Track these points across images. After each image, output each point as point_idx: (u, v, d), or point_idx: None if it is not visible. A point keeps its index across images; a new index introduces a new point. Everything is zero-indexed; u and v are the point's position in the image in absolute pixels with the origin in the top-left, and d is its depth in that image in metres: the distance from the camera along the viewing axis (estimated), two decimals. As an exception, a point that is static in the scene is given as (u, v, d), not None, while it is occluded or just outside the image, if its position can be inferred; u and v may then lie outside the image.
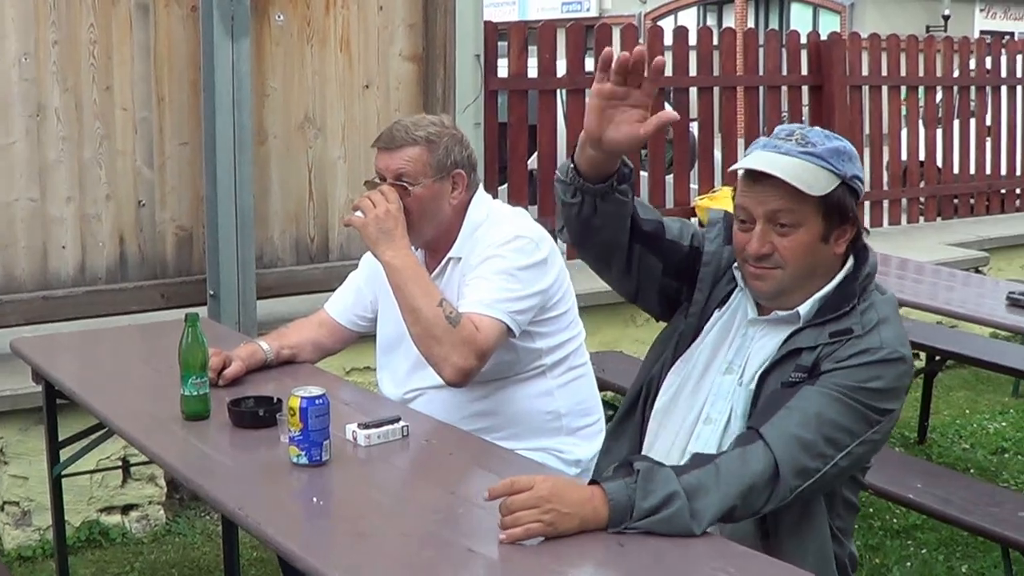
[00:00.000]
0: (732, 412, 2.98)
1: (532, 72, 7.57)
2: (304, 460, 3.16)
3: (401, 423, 3.39)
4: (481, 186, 3.93)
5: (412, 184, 3.73)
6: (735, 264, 3.08)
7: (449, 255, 3.84)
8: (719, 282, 3.12)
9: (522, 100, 7.42)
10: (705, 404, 3.03)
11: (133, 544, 5.38)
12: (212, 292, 5.72)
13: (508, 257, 3.67)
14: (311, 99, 5.97)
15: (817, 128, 2.98)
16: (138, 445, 3.54)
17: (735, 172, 3.11)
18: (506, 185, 7.38)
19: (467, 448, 3.38)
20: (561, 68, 7.69)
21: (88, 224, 5.60)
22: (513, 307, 3.64)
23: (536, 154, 7.63)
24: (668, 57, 8.19)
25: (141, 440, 3.50)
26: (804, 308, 2.97)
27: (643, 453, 3.08)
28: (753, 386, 2.95)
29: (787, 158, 2.89)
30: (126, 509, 5.50)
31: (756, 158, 2.93)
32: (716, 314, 3.10)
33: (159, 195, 5.73)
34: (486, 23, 6.77)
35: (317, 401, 3.18)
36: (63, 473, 4.44)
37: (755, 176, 2.91)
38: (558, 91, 7.74)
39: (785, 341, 2.96)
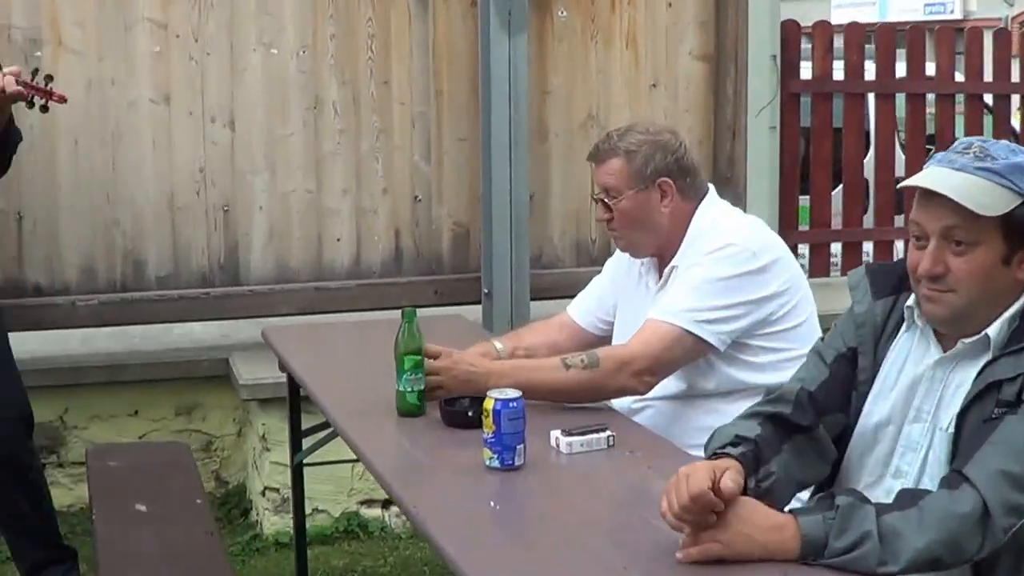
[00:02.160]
0: (925, 462, 2.70)
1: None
2: (496, 463, 3.05)
3: (607, 432, 3.22)
4: (713, 191, 3.76)
5: (615, 198, 3.64)
6: (903, 302, 2.81)
7: (671, 264, 3.69)
8: (880, 338, 2.84)
9: (826, 104, 7.09)
10: (894, 457, 2.77)
11: (391, 539, 5.35)
12: (486, 291, 5.66)
13: (710, 266, 3.53)
14: (595, 97, 5.84)
15: (1004, 142, 2.69)
16: (344, 436, 3.51)
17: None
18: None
19: (670, 462, 3.16)
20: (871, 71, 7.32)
21: (364, 217, 5.64)
22: (704, 316, 3.49)
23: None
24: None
25: (347, 431, 3.48)
26: (992, 330, 2.64)
27: None
28: (952, 430, 2.65)
29: (960, 175, 2.60)
30: (387, 503, 5.48)
31: (927, 174, 2.66)
32: (886, 365, 2.82)
33: (436, 191, 5.71)
34: (788, 22, 6.49)
35: (511, 404, 3.06)
36: (306, 462, 4.46)
37: (930, 191, 2.63)
38: (866, 95, 7.36)
39: (980, 374, 2.64)
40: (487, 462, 3.05)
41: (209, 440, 5.67)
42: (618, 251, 3.93)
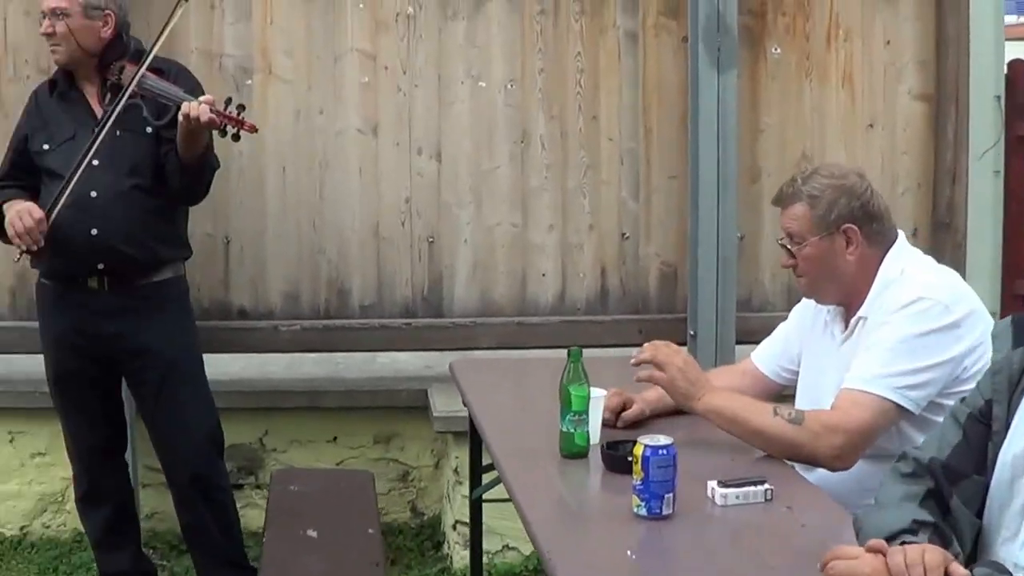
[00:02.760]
0: None
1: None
2: (643, 511, 2.97)
3: (765, 486, 3.10)
4: (902, 238, 3.60)
5: (799, 244, 3.53)
6: None
7: (858, 314, 3.55)
8: (1017, 387, 2.64)
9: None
10: None
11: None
12: (692, 332, 5.54)
13: (902, 324, 3.37)
14: (809, 137, 5.66)
15: None
16: (501, 473, 3.48)
17: None
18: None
19: (826, 521, 3.03)
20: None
21: (569, 253, 5.59)
22: (902, 381, 3.33)
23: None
24: None
25: (505, 469, 3.45)
26: None
27: None
28: None
29: None
30: (579, 543, 5.41)
31: None
32: (1020, 414, 2.63)
33: (644, 228, 5.63)
34: (1014, 62, 6.16)
35: (661, 451, 2.97)
36: (493, 498, 4.42)
37: None
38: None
39: None
40: (635, 510, 2.99)
41: (406, 470, 5.69)
42: (804, 298, 3.81)
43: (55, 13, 4.51)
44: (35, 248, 4.38)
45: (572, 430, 3.42)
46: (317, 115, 5.44)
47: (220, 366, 5.48)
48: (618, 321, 5.64)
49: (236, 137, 4.34)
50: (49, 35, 4.54)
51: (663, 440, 2.99)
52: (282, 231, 5.48)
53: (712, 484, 3.09)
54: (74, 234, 4.46)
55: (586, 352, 5.28)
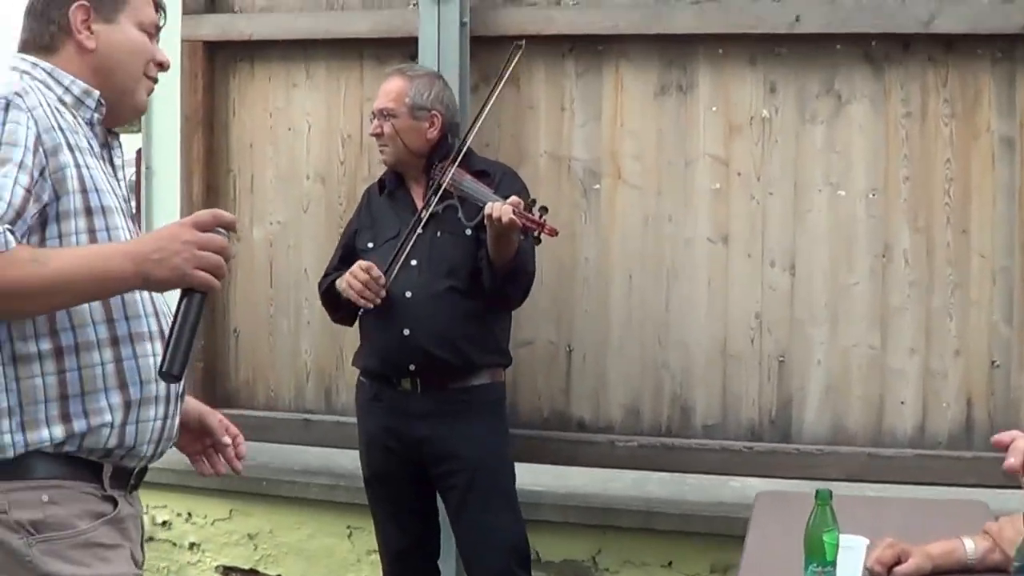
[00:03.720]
0: None
1: None
2: None
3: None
4: None
5: None
6: None
7: None
8: None
9: None
10: None
11: None
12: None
13: None
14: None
15: None
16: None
17: None
18: None
19: None
20: None
21: (932, 380, 5.09)
22: None
23: None
24: None
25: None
26: None
27: None
28: None
29: None
30: None
31: None
32: None
33: (1018, 356, 5.04)
34: None
35: None
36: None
37: None
38: None
39: None
40: None
41: (744, 605, 5.32)
42: None
43: (383, 114, 4.58)
44: (376, 302, 4.41)
45: (816, 582, 3.06)
46: (666, 222, 5.24)
47: (563, 478, 5.35)
48: (983, 459, 5.02)
49: (537, 240, 4.23)
50: (377, 135, 4.62)
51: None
52: (626, 342, 5.30)
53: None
54: (387, 333, 4.47)
55: (945, 492, 4.88)
